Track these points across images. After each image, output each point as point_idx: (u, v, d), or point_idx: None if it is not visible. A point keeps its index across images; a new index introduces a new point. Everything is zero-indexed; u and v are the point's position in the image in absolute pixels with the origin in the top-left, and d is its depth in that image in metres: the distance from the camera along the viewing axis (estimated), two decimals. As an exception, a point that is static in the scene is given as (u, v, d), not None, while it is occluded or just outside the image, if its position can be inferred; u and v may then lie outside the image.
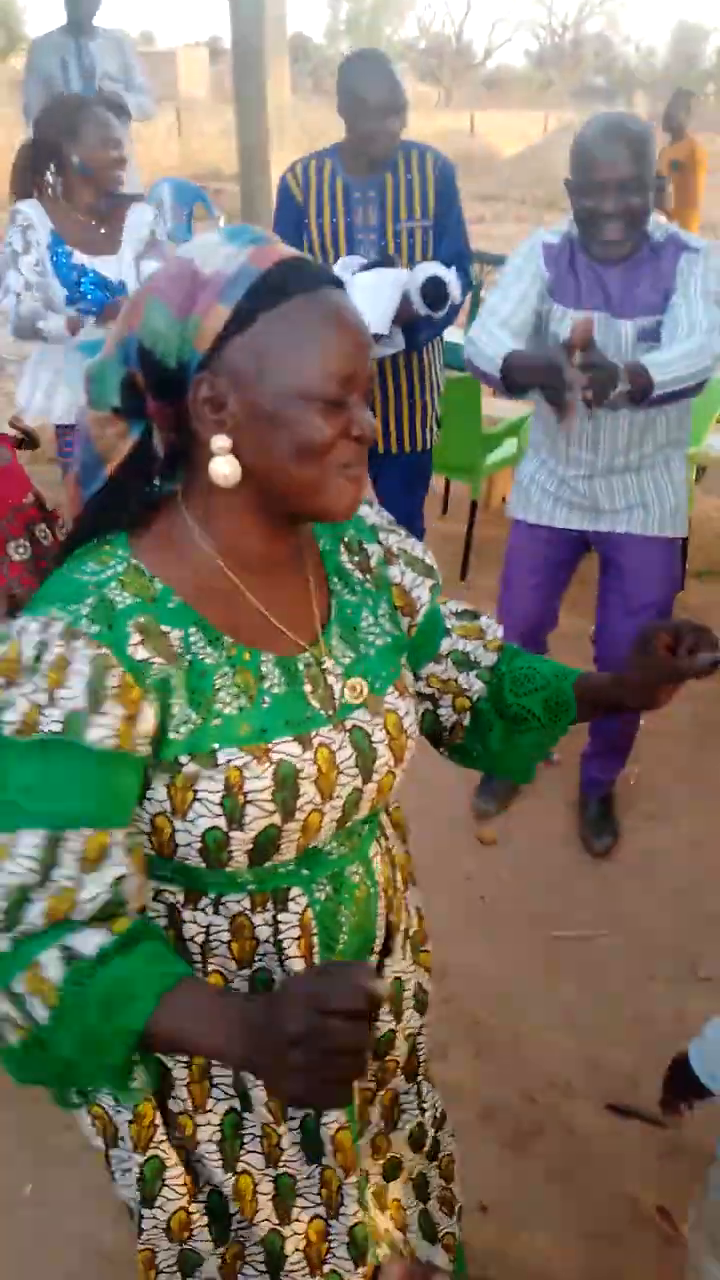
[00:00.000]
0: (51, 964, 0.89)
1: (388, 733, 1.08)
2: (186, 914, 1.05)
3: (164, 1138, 1.11)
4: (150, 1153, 1.10)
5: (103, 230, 3.04)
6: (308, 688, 1.03)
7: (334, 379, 0.93)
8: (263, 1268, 1.14)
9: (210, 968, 1.06)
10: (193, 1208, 1.13)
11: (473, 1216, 1.92)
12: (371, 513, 1.20)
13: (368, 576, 1.14)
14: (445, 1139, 1.40)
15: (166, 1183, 1.11)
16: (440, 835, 2.82)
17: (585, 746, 2.90)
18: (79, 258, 2.99)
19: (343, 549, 1.14)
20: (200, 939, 1.05)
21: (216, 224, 8.27)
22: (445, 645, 1.24)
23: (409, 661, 1.19)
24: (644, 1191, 1.97)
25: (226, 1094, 1.10)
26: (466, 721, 1.27)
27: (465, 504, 4.37)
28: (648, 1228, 1.92)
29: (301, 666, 1.03)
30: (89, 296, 2.98)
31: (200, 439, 0.96)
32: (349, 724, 1.05)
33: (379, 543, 1.17)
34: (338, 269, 2.78)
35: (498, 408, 4.43)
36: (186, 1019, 0.87)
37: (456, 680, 1.24)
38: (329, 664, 1.06)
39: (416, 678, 1.23)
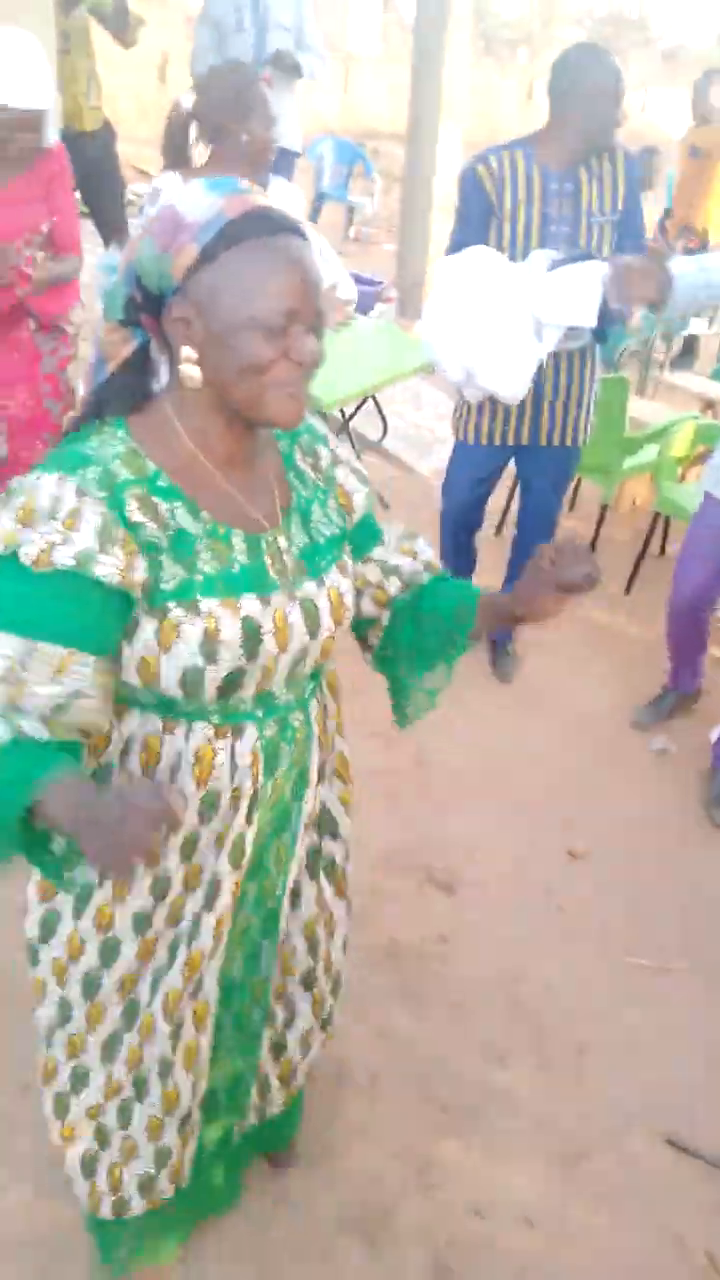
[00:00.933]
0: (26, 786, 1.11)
1: (330, 603, 1.32)
2: (166, 740, 1.29)
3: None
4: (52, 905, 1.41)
5: None
6: (268, 561, 1.27)
7: (276, 311, 1.12)
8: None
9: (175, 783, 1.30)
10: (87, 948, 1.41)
11: (516, 1227, 1.94)
12: (320, 424, 1.44)
13: (318, 475, 1.39)
14: (337, 952, 1.68)
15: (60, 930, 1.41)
16: (525, 844, 2.82)
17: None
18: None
19: (298, 451, 1.38)
20: (173, 763, 1.29)
21: (372, 185, 8.19)
22: (378, 552, 1.48)
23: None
24: (693, 1233, 1.96)
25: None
26: (385, 620, 1.50)
27: (590, 503, 4.30)
28: (693, 1271, 1.91)
29: (264, 544, 1.27)
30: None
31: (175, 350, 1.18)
32: (299, 594, 1.29)
33: (333, 451, 1.42)
34: (532, 263, 2.76)
35: (645, 411, 4.34)
36: (54, 798, 1.10)
37: (382, 581, 1.48)
38: (284, 544, 1.29)
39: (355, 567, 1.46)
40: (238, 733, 1.31)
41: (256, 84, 2.88)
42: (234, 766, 1.31)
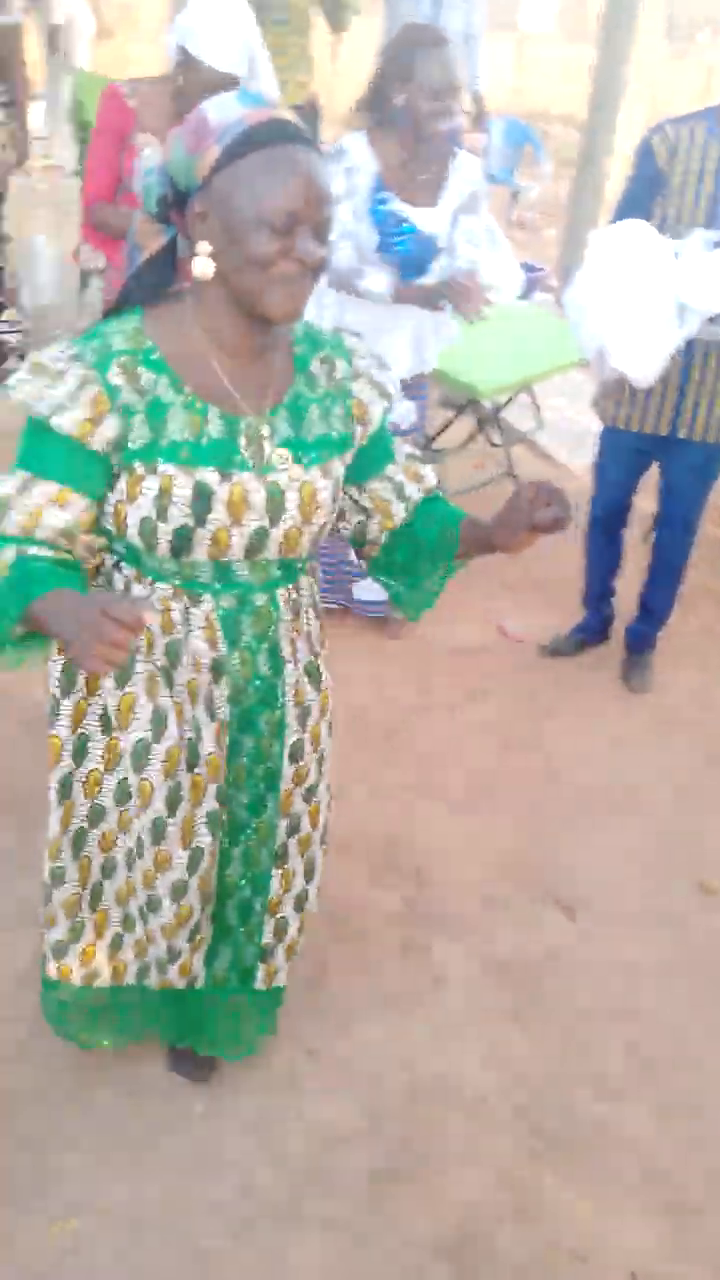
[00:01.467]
0: (7, 553, 1.34)
1: (300, 497, 1.45)
2: (135, 589, 1.48)
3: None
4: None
5: (424, 177, 2.85)
6: (242, 441, 1.41)
7: (281, 210, 1.26)
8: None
9: (149, 631, 1.50)
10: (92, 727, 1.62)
11: (619, 1281, 1.85)
12: (359, 344, 1.56)
13: (331, 384, 1.50)
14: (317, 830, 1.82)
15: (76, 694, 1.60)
16: (654, 873, 2.68)
17: None
18: (398, 205, 2.87)
19: (316, 360, 1.50)
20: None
21: (541, 169, 7.96)
22: (390, 470, 1.61)
23: (358, 467, 1.57)
24: None
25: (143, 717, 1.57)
26: (384, 540, 1.65)
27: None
28: None
29: (242, 426, 1.41)
30: (398, 248, 2.88)
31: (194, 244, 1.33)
32: (269, 478, 1.42)
33: (351, 364, 1.53)
34: (689, 242, 2.60)
35: None
36: (47, 605, 1.25)
37: (389, 505, 1.61)
38: (266, 431, 1.43)
39: (361, 489, 1.60)
40: (194, 599, 1.49)
41: (427, 49, 2.75)
42: (188, 629, 1.50)
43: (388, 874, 2.58)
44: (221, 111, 1.30)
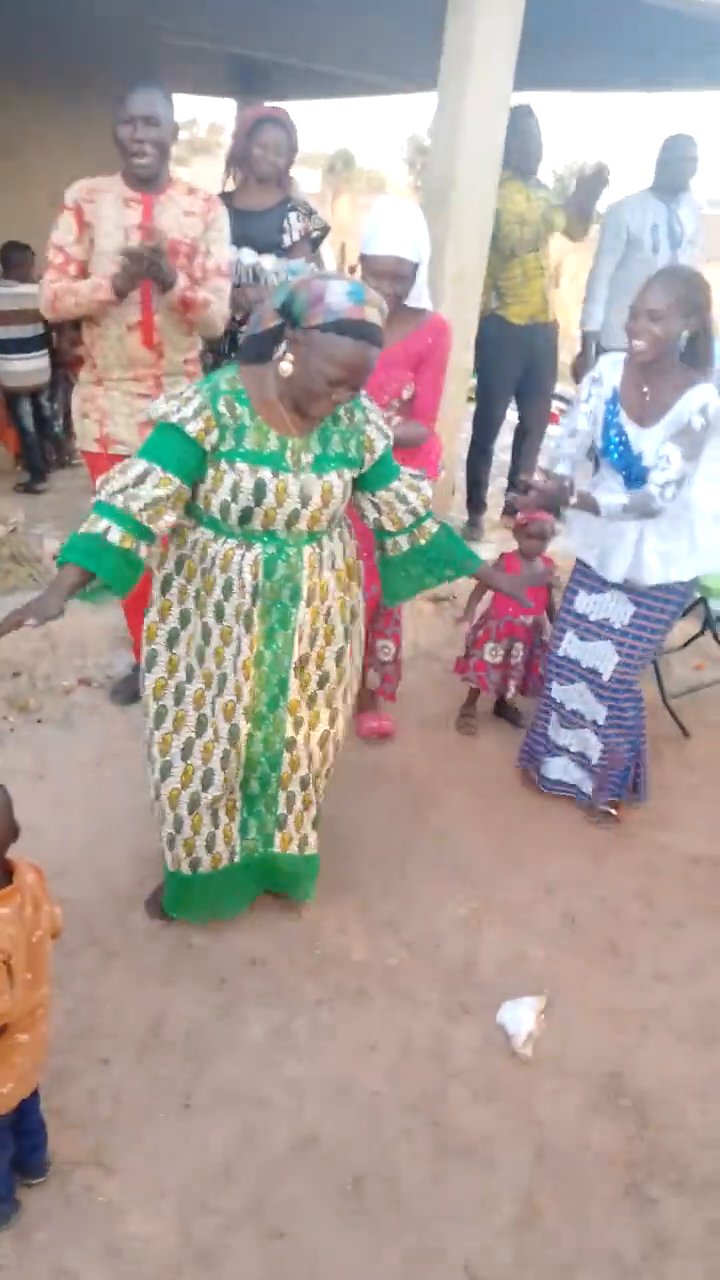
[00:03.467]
0: (100, 524, 2.08)
1: (321, 490, 2.20)
2: (211, 545, 2.24)
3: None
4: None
5: (649, 397, 2.89)
6: (288, 454, 2.17)
7: (335, 376, 2.04)
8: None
9: (213, 573, 2.25)
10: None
11: None
12: (369, 403, 2.30)
13: (350, 423, 2.26)
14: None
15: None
16: None
17: None
18: (625, 421, 2.93)
19: (342, 410, 2.24)
20: (212, 559, 2.24)
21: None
22: (395, 484, 2.37)
23: (371, 480, 2.34)
24: None
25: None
26: (403, 547, 2.44)
27: None
28: None
29: (289, 444, 2.17)
30: (612, 457, 2.94)
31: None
32: (301, 477, 2.18)
33: (366, 414, 2.28)
34: None
35: None
36: (60, 573, 2.09)
37: (394, 506, 2.38)
38: (303, 449, 2.19)
39: (374, 495, 2.37)
40: (248, 547, 2.23)
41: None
42: (242, 565, 2.23)
43: (606, 1104, 2.31)
44: (336, 297, 1.99)
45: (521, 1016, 2.45)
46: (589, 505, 2.83)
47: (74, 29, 5.59)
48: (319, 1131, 2.17)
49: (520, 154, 4.75)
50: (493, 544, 5.03)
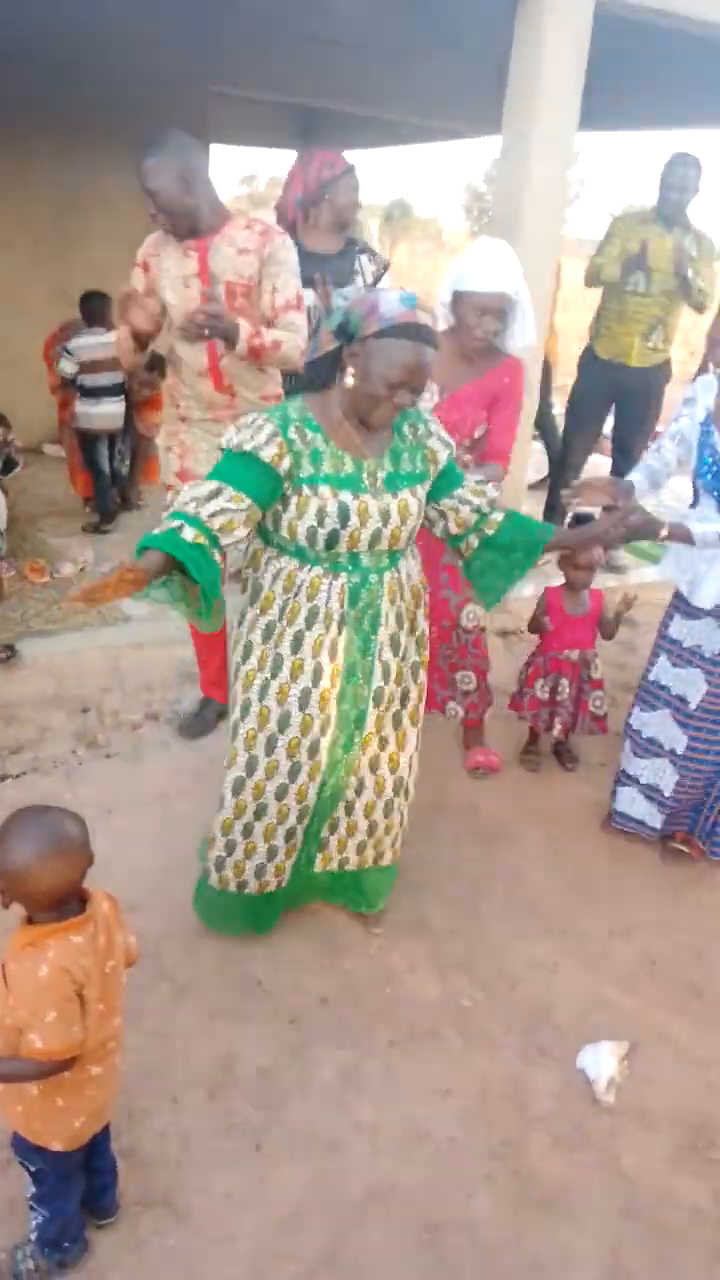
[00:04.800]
0: (174, 522, 2.09)
1: (397, 507, 2.25)
2: (298, 574, 2.28)
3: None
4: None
5: None
6: (365, 476, 2.22)
7: (395, 379, 2.11)
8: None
9: (298, 601, 2.29)
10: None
11: None
12: (430, 416, 2.38)
13: (415, 439, 2.32)
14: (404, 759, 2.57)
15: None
16: None
17: None
18: (716, 439, 2.89)
19: (406, 424, 2.32)
20: (297, 585, 2.28)
21: None
22: (459, 491, 2.41)
23: (436, 490, 2.38)
24: None
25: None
26: (475, 545, 2.48)
27: None
28: None
29: (365, 466, 2.23)
30: (708, 477, 2.88)
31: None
32: (380, 498, 2.23)
33: (428, 428, 2.35)
34: None
35: None
36: (147, 555, 2.06)
37: (458, 509, 2.43)
38: (377, 469, 2.24)
39: (439, 503, 2.41)
40: (334, 575, 2.27)
41: None
42: (329, 594, 2.28)
43: (693, 1156, 2.21)
44: (388, 305, 2.08)
45: (603, 1062, 2.36)
46: (682, 537, 2.77)
47: (139, 85, 5.76)
48: (394, 1178, 2.09)
49: (663, 199, 4.77)
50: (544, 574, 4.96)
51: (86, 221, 6.61)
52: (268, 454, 2.12)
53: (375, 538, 2.23)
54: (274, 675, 2.33)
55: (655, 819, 3.18)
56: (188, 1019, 2.43)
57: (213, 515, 2.09)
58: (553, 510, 5.58)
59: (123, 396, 5.35)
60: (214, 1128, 2.17)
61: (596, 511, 2.90)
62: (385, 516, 2.22)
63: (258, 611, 2.33)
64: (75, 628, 4.14)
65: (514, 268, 2.98)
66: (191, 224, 2.99)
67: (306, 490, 2.17)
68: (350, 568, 2.26)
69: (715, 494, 2.88)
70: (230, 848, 2.50)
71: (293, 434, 2.16)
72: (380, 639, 2.35)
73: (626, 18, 4.31)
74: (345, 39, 6.24)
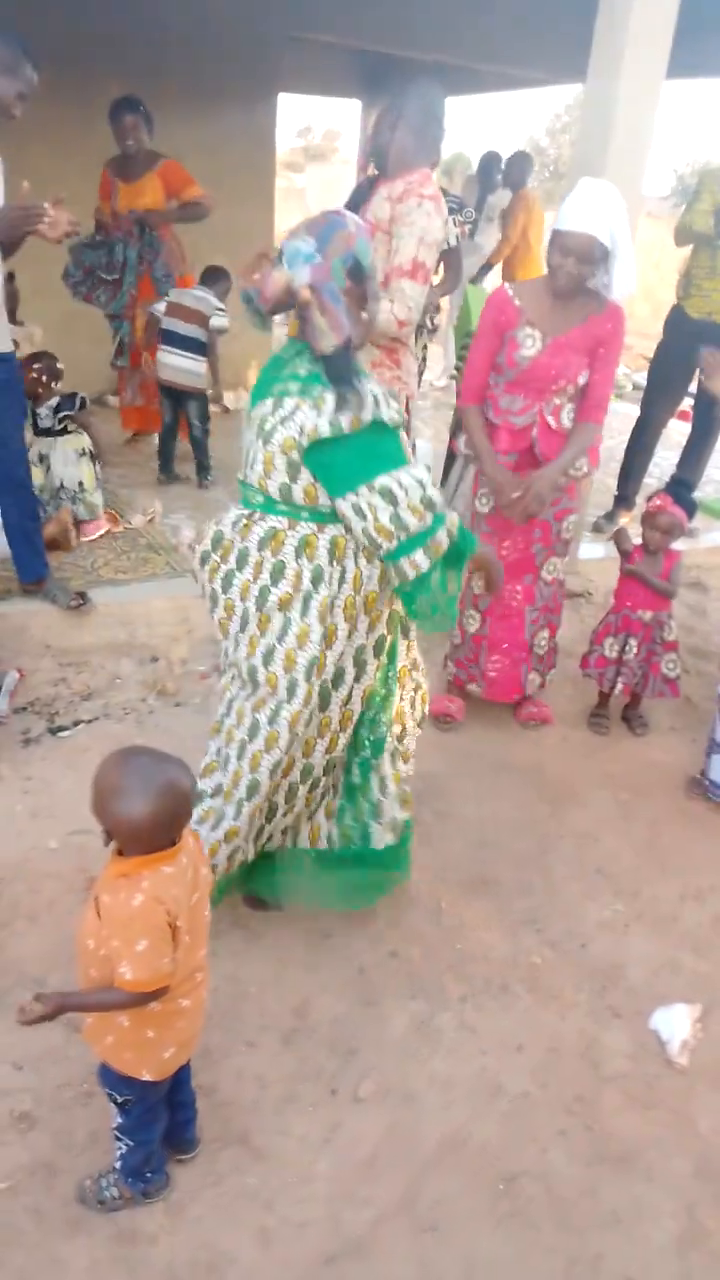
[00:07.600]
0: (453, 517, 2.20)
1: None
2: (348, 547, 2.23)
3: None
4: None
5: None
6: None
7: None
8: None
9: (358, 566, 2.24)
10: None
11: None
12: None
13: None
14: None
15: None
16: None
17: None
18: None
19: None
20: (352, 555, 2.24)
21: None
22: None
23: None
24: None
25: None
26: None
27: None
28: None
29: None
30: None
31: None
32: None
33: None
34: None
35: None
36: (481, 551, 2.33)
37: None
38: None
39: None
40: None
41: None
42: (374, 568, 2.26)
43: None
44: (357, 230, 2.10)
45: (676, 1023, 2.35)
46: None
47: (217, 26, 5.65)
48: (469, 1130, 2.11)
49: None
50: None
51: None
52: (397, 422, 2.14)
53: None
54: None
55: None
56: (260, 966, 2.46)
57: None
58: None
59: (203, 359, 5.23)
60: (289, 1072, 2.19)
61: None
62: None
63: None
64: (146, 578, 4.16)
65: (608, 211, 2.88)
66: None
67: None
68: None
69: None
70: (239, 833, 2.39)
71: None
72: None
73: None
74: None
